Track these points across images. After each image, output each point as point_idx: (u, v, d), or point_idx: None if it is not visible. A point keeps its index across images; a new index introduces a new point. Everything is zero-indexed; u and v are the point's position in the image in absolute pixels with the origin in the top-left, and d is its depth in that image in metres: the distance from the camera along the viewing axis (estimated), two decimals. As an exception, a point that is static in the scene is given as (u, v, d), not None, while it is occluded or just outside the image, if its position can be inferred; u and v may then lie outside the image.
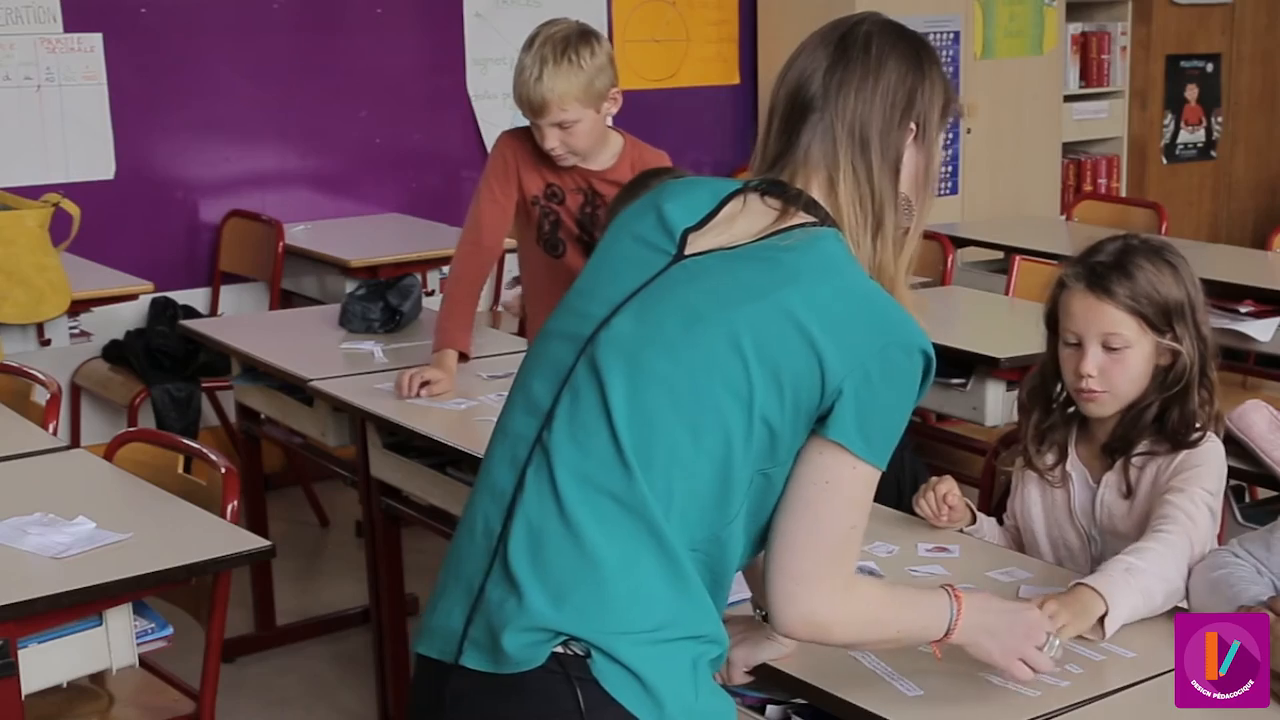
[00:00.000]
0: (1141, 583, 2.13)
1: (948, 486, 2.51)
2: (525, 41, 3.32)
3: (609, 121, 3.43)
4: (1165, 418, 2.37)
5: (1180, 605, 2.22)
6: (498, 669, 1.71)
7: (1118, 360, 2.36)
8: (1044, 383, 2.49)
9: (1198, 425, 2.37)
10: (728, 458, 1.72)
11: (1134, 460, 2.39)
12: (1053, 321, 2.46)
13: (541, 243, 3.51)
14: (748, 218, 1.82)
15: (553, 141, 3.32)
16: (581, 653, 1.69)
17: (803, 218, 1.81)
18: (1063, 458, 2.46)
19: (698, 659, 1.74)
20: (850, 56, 1.84)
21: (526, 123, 3.41)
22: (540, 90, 3.25)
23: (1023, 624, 1.91)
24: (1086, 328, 2.37)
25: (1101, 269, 2.37)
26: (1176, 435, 2.37)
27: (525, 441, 1.79)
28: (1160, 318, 2.35)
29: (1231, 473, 2.44)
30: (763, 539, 1.82)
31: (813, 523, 1.75)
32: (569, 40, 3.28)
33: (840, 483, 1.75)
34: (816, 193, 1.83)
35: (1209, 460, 2.35)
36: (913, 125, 1.85)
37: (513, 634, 1.70)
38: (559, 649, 1.69)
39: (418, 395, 3.31)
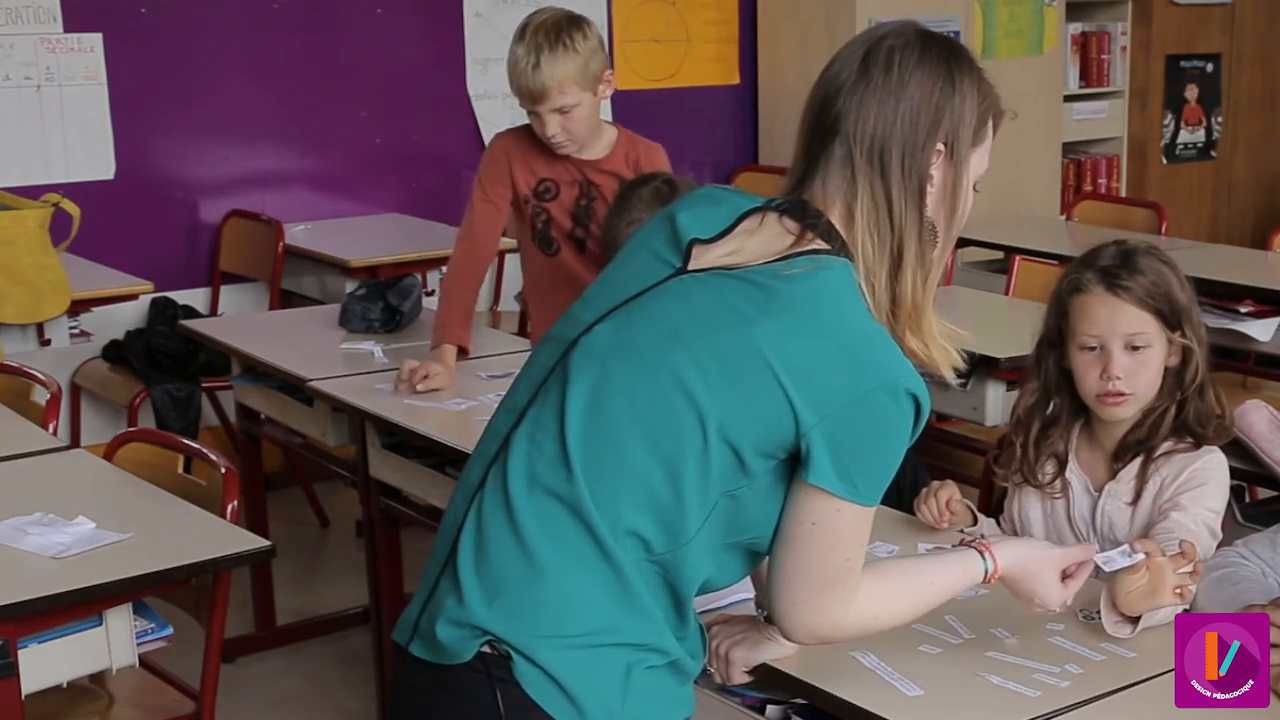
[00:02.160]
0: None
1: (949, 491, 2.51)
2: (516, 33, 3.34)
3: (609, 91, 3.43)
4: (1184, 416, 2.38)
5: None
6: (434, 659, 1.74)
7: (1141, 361, 2.36)
8: (1045, 398, 2.48)
9: (1219, 414, 2.39)
10: (682, 473, 1.70)
11: (1150, 463, 2.39)
12: (1054, 335, 2.45)
13: (536, 241, 3.53)
14: (762, 238, 1.78)
15: (553, 128, 3.34)
16: (504, 654, 1.69)
17: (817, 244, 1.76)
18: (1061, 467, 2.46)
19: (633, 666, 1.72)
20: (871, 76, 1.77)
21: (521, 124, 3.42)
22: (539, 77, 3.27)
23: (1055, 562, 1.99)
24: (1110, 330, 2.36)
25: (1113, 270, 2.36)
26: (1198, 431, 2.38)
27: (498, 438, 1.80)
28: (1172, 314, 2.36)
29: (1232, 473, 2.44)
30: (741, 560, 1.82)
31: (804, 561, 1.76)
32: (560, 25, 3.31)
33: (826, 524, 1.74)
34: (836, 220, 1.78)
35: (1214, 479, 2.36)
36: (941, 145, 1.80)
37: (444, 625, 1.73)
38: (485, 649, 1.70)
39: (418, 386, 3.31)
